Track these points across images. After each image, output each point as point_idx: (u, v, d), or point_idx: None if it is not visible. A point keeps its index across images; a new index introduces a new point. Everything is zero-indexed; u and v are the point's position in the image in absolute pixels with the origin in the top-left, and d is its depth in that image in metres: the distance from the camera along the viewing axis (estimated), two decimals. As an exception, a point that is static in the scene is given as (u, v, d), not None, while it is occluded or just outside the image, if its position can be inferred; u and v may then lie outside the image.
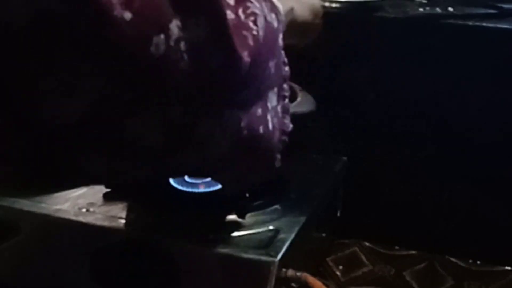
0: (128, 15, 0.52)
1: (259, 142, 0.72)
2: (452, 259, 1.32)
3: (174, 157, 0.65)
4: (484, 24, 1.28)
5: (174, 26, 0.56)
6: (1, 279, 1.08)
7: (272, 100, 0.74)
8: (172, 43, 0.56)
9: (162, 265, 1.01)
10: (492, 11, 1.35)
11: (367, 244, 1.35)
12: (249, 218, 1.09)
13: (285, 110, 0.79)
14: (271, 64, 0.72)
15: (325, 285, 1.03)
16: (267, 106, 0.72)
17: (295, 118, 1.12)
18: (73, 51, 0.51)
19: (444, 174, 1.36)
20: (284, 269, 1.01)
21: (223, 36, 0.60)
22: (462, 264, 1.30)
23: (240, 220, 1.08)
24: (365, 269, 1.29)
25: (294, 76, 1.24)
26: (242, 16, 0.65)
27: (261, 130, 0.71)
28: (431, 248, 1.33)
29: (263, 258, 1.00)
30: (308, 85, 1.21)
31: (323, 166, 1.32)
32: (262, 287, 0.98)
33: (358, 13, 1.37)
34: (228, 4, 0.63)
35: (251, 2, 0.67)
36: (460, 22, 1.30)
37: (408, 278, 1.27)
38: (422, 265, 1.30)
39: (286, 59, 0.80)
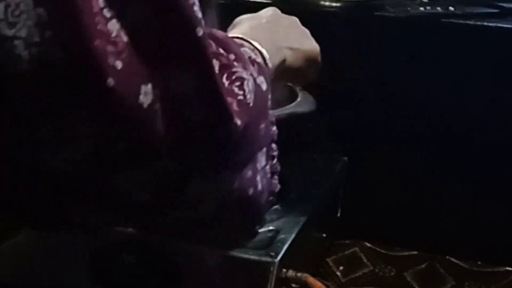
0: (119, 64, 0.52)
1: (248, 203, 0.72)
2: (453, 259, 1.31)
3: (162, 216, 0.66)
4: (485, 24, 1.28)
5: (162, 77, 0.56)
6: (1, 279, 1.08)
7: (261, 160, 0.74)
8: (159, 93, 0.56)
9: (162, 265, 1.01)
10: (493, 10, 1.35)
11: (367, 244, 1.35)
12: (249, 218, 1.09)
13: (273, 171, 0.79)
14: (262, 126, 0.72)
15: (326, 285, 1.03)
16: (256, 168, 0.72)
17: (295, 118, 1.13)
18: (70, 100, 0.52)
19: (444, 174, 1.35)
20: (284, 270, 1.01)
21: (213, 94, 0.60)
22: (463, 265, 1.30)
23: (240, 220, 1.08)
24: (365, 270, 1.29)
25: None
26: (226, 83, 0.65)
27: (250, 191, 0.71)
28: (432, 248, 1.33)
29: (263, 258, 0.99)
30: (308, 85, 1.21)
31: (323, 166, 1.32)
32: (262, 287, 0.98)
33: (359, 13, 1.37)
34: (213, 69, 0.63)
35: (236, 67, 0.67)
36: (461, 21, 1.29)
37: (409, 278, 1.27)
38: (423, 265, 1.30)
39: (273, 119, 0.80)
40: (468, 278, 1.27)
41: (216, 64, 0.64)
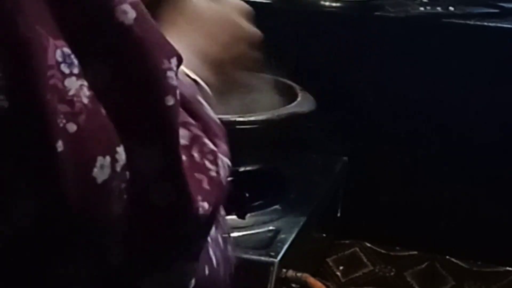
0: (72, 127, 0.46)
1: (206, 284, 0.62)
2: (453, 259, 1.31)
3: None
4: (485, 23, 1.28)
5: (123, 151, 0.49)
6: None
7: (212, 232, 0.64)
8: (118, 169, 0.48)
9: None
10: (493, 10, 1.35)
11: (367, 244, 1.35)
12: (249, 218, 1.09)
13: (225, 240, 0.68)
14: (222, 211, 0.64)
15: (326, 285, 1.03)
16: (207, 241, 0.62)
17: (295, 118, 1.13)
18: (9, 161, 0.45)
19: (445, 174, 1.35)
20: (284, 270, 1.01)
21: (176, 176, 0.52)
22: (463, 265, 1.30)
23: (240, 220, 1.08)
24: (365, 270, 1.29)
25: (294, 76, 1.24)
26: (197, 156, 0.56)
27: (206, 271, 0.60)
28: (432, 248, 1.33)
29: (263, 258, 0.99)
30: (308, 85, 1.21)
31: (323, 166, 1.32)
32: (262, 287, 0.98)
33: (359, 13, 1.37)
34: (180, 146, 0.54)
35: (206, 137, 0.58)
36: (461, 21, 1.29)
37: (409, 278, 1.26)
38: (423, 265, 1.30)
39: None
40: (468, 278, 1.27)
41: (186, 135, 0.56)
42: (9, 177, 0.46)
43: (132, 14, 0.49)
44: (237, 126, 1.05)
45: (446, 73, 1.31)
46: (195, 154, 0.56)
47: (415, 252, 1.33)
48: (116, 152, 0.48)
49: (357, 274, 1.28)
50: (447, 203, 1.36)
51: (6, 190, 0.46)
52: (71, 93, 0.46)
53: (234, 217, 1.08)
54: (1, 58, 0.44)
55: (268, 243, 1.03)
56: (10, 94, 0.44)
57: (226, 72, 0.79)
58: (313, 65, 1.35)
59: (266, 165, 1.17)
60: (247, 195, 1.10)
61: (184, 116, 0.57)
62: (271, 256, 0.99)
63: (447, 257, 1.32)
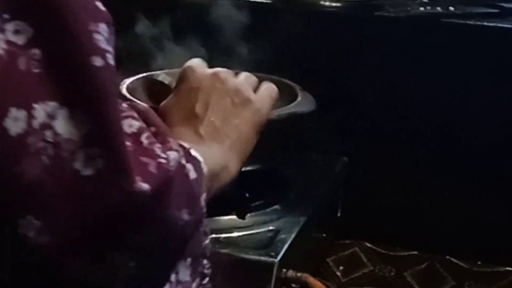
0: None
1: None
2: (453, 259, 1.31)
3: None
4: (485, 23, 1.28)
5: (42, 109, 0.47)
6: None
7: (184, 274, 0.60)
8: (35, 126, 0.47)
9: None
10: (493, 10, 1.35)
11: (367, 244, 1.35)
12: (249, 218, 1.09)
13: None
14: (185, 215, 0.57)
15: (326, 285, 1.03)
16: (174, 281, 0.58)
17: (295, 118, 1.12)
18: None
19: (445, 174, 1.35)
20: (284, 270, 1.01)
21: (105, 143, 0.50)
22: (463, 265, 1.30)
23: (240, 220, 1.08)
24: (365, 270, 1.29)
25: (294, 76, 1.24)
26: (146, 142, 0.54)
27: None
28: (432, 248, 1.33)
29: (263, 258, 0.99)
30: (308, 85, 1.21)
31: (323, 166, 1.32)
32: (262, 287, 0.98)
33: (359, 13, 1.37)
34: (126, 133, 0.52)
35: (161, 134, 0.58)
36: (461, 21, 1.29)
37: (409, 278, 1.26)
38: (423, 265, 1.30)
39: (208, 230, 0.65)
40: (468, 278, 1.27)
41: (135, 124, 0.55)
42: None
43: None
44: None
45: (446, 73, 1.31)
46: (144, 140, 0.55)
47: (415, 252, 1.33)
48: (32, 107, 0.47)
49: (357, 274, 1.28)
50: (447, 203, 1.36)
51: None
52: None
53: (234, 217, 1.08)
54: None
55: (268, 243, 1.03)
56: None
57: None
58: (313, 65, 1.35)
59: (266, 165, 1.17)
60: (247, 195, 1.10)
61: (133, 113, 0.56)
62: (271, 256, 0.99)
63: (447, 257, 1.31)
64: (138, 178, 0.51)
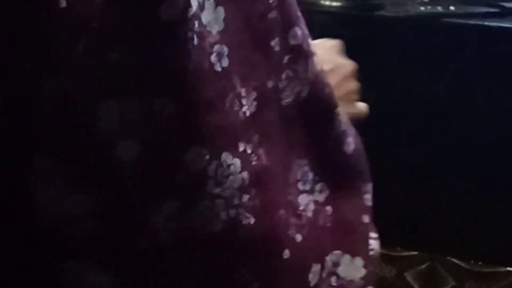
0: (298, 237, 0.53)
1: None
2: (453, 259, 1.31)
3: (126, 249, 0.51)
4: (485, 23, 1.28)
5: (330, 260, 0.56)
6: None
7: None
8: (324, 275, 0.55)
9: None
10: (493, 10, 1.35)
11: (367, 244, 1.34)
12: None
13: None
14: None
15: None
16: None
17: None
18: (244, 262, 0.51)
19: (445, 174, 1.35)
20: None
21: None
22: (464, 265, 1.30)
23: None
24: (365, 270, 1.29)
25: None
26: None
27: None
28: (432, 248, 1.33)
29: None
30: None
31: (323, 166, 1.31)
32: None
33: (359, 13, 1.37)
34: None
35: None
36: (461, 21, 1.29)
37: (409, 279, 1.26)
38: (423, 265, 1.30)
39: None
40: (468, 279, 1.27)
41: None
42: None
43: None
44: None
45: (446, 73, 1.31)
46: None
47: (415, 252, 1.33)
48: (324, 260, 0.55)
49: (357, 275, 1.27)
50: (447, 203, 1.36)
51: None
52: (301, 208, 0.53)
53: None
54: (254, 183, 0.50)
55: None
56: (254, 209, 0.50)
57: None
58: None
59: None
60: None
61: None
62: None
63: (448, 257, 1.31)
64: None
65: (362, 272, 0.58)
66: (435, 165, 1.36)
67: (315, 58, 0.58)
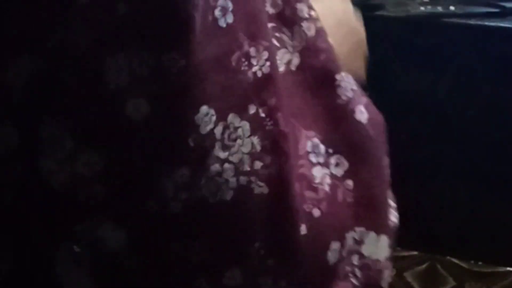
0: (316, 212, 0.52)
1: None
2: (453, 259, 1.31)
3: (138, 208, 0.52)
4: (485, 23, 1.28)
5: (351, 236, 0.55)
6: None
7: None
8: (344, 254, 0.54)
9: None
10: (493, 10, 1.34)
11: (367, 244, 1.34)
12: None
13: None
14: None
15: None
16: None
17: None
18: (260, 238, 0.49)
19: (445, 174, 1.35)
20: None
21: None
22: (464, 265, 1.30)
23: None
24: (365, 270, 1.29)
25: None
26: None
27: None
28: (432, 248, 1.33)
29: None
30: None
31: (323, 166, 1.31)
32: None
33: (359, 13, 1.37)
34: None
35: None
36: (462, 21, 1.29)
37: (409, 279, 1.26)
38: (423, 266, 1.30)
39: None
40: (468, 279, 1.27)
41: None
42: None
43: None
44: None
45: (446, 73, 1.31)
46: None
47: (415, 252, 1.33)
48: (344, 237, 0.53)
49: (357, 274, 1.27)
50: (447, 203, 1.35)
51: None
52: (317, 180, 0.51)
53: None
54: (263, 140, 0.48)
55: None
56: (268, 181, 0.48)
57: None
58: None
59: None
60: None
61: None
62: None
63: (447, 257, 1.31)
64: None
65: (387, 251, 0.56)
66: (435, 165, 1.36)
67: (306, 24, 0.55)
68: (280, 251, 0.49)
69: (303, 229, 0.49)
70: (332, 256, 0.51)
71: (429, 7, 1.35)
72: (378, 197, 0.57)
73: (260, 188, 0.48)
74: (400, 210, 1.37)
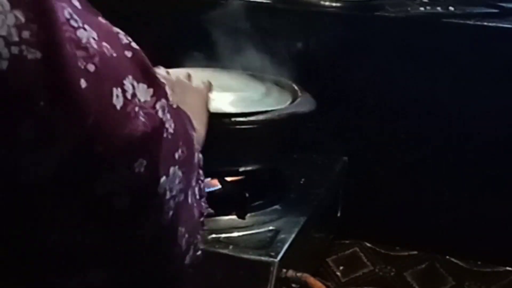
0: (91, 67, 0.55)
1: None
2: (453, 259, 1.31)
3: (137, 225, 0.62)
4: (485, 23, 1.28)
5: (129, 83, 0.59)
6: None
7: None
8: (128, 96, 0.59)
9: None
10: (493, 10, 1.35)
11: (367, 244, 1.35)
12: (249, 218, 1.09)
13: (202, 194, 0.75)
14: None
15: (326, 285, 1.03)
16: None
17: (295, 118, 1.13)
18: (45, 96, 0.53)
19: (445, 174, 1.35)
20: (284, 270, 1.01)
21: None
22: (463, 265, 1.30)
23: (240, 220, 1.08)
24: (365, 270, 1.29)
25: (294, 76, 1.24)
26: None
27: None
28: (432, 248, 1.33)
29: (263, 258, 0.99)
30: (308, 85, 1.21)
31: (323, 166, 1.32)
32: (262, 287, 0.98)
33: (359, 13, 1.37)
34: None
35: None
36: (461, 21, 1.29)
37: (409, 278, 1.26)
38: (423, 265, 1.30)
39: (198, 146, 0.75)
40: (468, 278, 1.27)
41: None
42: (49, 109, 0.53)
43: None
44: (237, 126, 1.05)
45: (446, 73, 1.31)
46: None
47: (415, 252, 1.33)
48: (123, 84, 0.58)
49: (357, 274, 1.28)
50: (447, 203, 1.36)
51: (49, 121, 0.53)
52: (84, 41, 0.55)
53: (234, 217, 1.08)
54: (26, 12, 0.52)
55: (268, 243, 1.03)
56: (40, 45, 0.52)
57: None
58: (313, 65, 1.35)
59: (266, 165, 1.17)
60: (247, 195, 1.09)
61: None
62: (271, 256, 0.99)
63: (447, 257, 1.31)
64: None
65: (151, 92, 0.61)
66: (435, 165, 1.36)
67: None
68: (65, 104, 0.54)
69: (83, 83, 0.54)
70: (117, 101, 0.57)
71: (428, 7, 1.36)
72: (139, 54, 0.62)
73: (33, 54, 0.52)
74: (400, 210, 1.38)
